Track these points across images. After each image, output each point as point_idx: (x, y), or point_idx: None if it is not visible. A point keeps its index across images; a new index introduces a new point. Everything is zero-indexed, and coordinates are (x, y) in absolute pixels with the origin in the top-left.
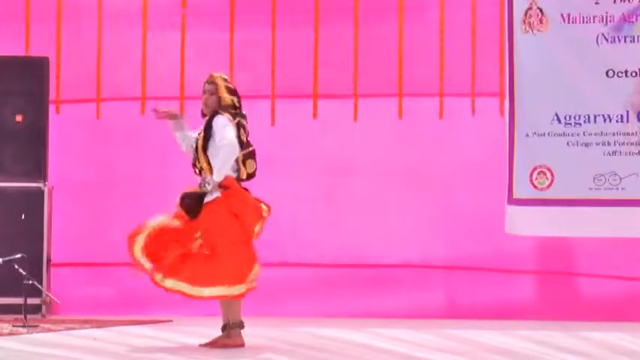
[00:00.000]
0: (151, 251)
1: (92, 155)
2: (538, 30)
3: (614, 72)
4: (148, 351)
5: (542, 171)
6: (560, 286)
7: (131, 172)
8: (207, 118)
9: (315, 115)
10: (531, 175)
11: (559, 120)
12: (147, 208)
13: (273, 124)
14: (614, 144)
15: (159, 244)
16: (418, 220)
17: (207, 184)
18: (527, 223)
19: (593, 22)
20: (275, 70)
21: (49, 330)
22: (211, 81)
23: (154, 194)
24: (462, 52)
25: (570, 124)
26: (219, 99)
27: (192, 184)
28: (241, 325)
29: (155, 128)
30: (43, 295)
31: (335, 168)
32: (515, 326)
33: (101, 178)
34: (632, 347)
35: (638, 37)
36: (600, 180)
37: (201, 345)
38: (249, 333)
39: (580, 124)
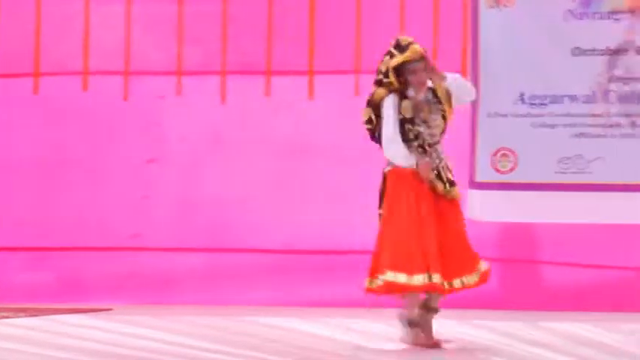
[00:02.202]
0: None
1: (30, 133)
2: (504, 5)
3: (581, 50)
4: (87, 341)
5: (505, 153)
6: (524, 274)
7: (74, 150)
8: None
9: (268, 92)
10: (494, 157)
11: (523, 100)
12: (90, 188)
13: (223, 101)
14: (581, 126)
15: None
16: (377, 204)
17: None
18: (489, 208)
19: None
20: (226, 44)
21: None
22: (420, 56)
23: (99, 173)
24: (423, 26)
25: (535, 104)
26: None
27: (136, 162)
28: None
29: (100, 103)
30: None
31: (289, 149)
32: (475, 316)
33: (40, 158)
34: (597, 338)
35: (606, 13)
36: (566, 163)
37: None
38: (194, 322)
39: (545, 105)
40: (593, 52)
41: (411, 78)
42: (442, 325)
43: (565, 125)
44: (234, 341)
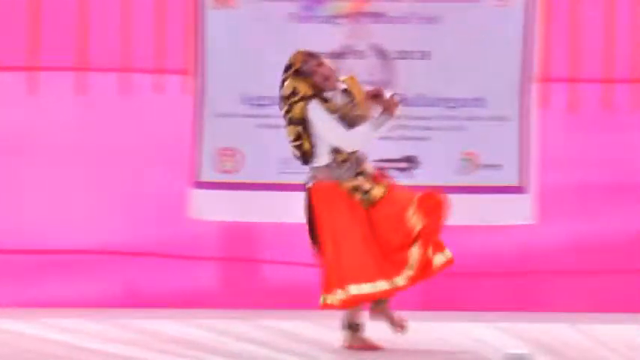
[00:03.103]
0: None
1: None
2: (229, 6)
3: None
4: None
5: (229, 153)
6: (245, 273)
7: None
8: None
9: None
10: (218, 157)
11: (248, 101)
12: None
13: None
14: None
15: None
16: (98, 203)
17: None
18: (213, 208)
19: (285, 0)
20: None
21: None
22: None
23: None
24: (147, 24)
25: (260, 105)
26: None
27: None
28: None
29: None
30: None
31: (7, 146)
32: (196, 315)
33: None
34: (313, 335)
35: (329, 17)
36: (288, 164)
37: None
38: None
39: (269, 106)
40: None
41: (315, 79)
42: (165, 325)
43: None
44: None
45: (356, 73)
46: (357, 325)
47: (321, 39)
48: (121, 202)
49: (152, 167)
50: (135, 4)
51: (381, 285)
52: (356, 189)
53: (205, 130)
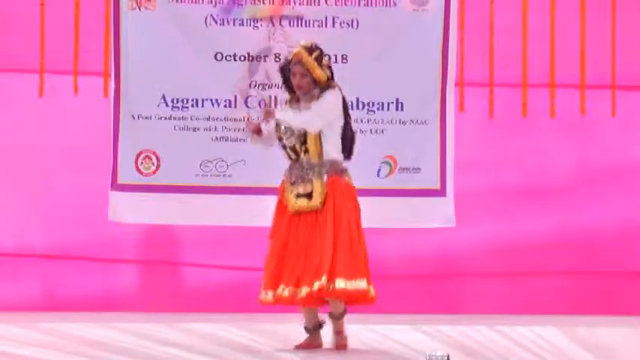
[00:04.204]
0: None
1: None
2: (145, 7)
3: (222, 55)
4: None
5: (147, 156)
6: (165, 276)
7: None
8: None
9: None
10: (137, 159)
11: (166, 103)
12: None
13: None
14: (222, 129)
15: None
16: (16, 205)
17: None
18: (132, 210)
19: (202, 2)
20: None
21: None
22: (298, 60)
23: None
24: (64, 26)
25: (178, 107)
26: (314, 80)
27: None
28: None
29: None
30: None
31: None
32: (117, 318)
33: None
34: (235, 339)
35: (247, 20)
36: (207, 166)
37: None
38: None
39: (188, 108)
40: (234, 57)
41: (292, 80)
42: (85, 329)
43: (207, 129)
44: None
45: (273, 76)
46: (306, 327)
47: (240, 41)
48: (40, 204)
49: (72, 169)
50: (53, 6)
51: (264, 296)
52: (292, 193)
53: (124, 133)
